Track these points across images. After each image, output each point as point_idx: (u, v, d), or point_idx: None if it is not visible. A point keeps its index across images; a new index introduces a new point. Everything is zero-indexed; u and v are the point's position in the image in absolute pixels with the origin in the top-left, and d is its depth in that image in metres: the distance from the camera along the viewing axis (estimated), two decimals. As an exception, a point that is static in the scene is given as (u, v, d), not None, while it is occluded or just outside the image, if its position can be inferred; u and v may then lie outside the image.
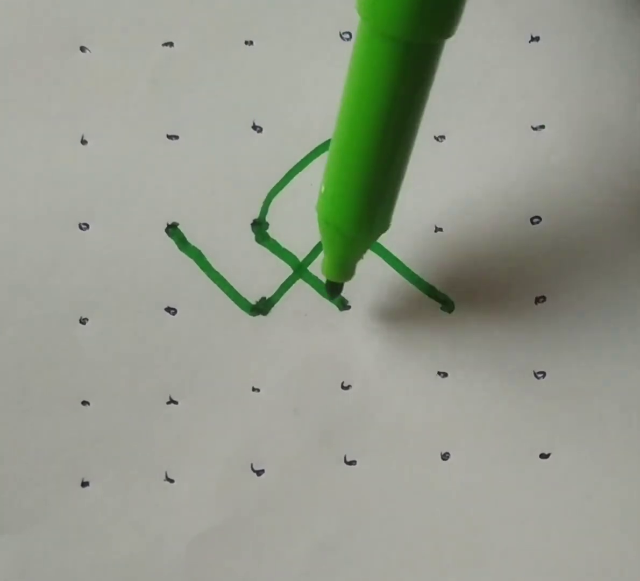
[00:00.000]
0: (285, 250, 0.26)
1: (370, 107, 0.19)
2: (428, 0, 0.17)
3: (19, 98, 0.26)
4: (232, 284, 0.26)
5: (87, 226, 0.26)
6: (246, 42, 0.26)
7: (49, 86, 0.26)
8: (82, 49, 0.26)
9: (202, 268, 0.26)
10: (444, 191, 0.26)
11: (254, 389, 0.27)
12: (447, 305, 0.26)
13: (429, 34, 0.18)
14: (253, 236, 0.26)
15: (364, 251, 0.24)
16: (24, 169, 0.26)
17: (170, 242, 0.26)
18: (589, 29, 0.25)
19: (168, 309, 0.27)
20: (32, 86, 0.26)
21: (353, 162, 0.21)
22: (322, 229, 0.23)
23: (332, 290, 0.25)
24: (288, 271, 0.26)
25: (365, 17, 0.18)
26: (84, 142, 0.26)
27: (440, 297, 0.26)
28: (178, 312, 0.27)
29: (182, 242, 0.26)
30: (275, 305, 0.26)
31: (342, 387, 0.27)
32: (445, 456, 0.27)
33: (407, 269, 0.26)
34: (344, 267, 0.24)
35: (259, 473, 0.27)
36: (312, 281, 0.26)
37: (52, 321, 0.27)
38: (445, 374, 0.27)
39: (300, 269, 0.26)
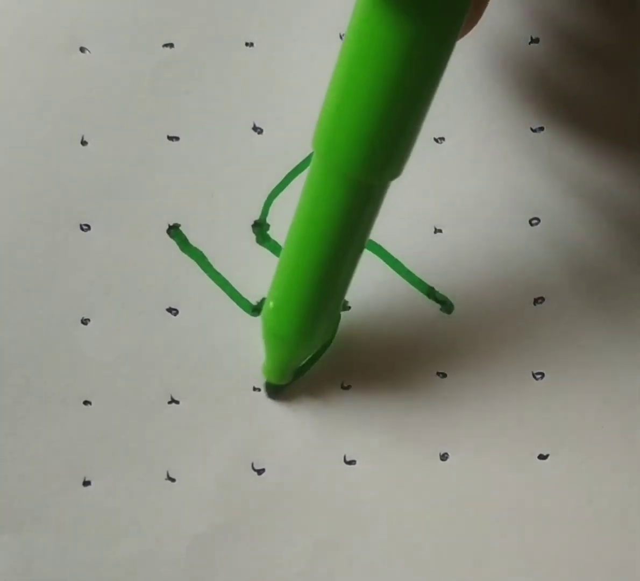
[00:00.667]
0: (285, 251, 0.26)
1: (318, 233, 0.21)
2: (380, 147, 0.19)
3: (19, 98, 0.26)
4: (233, 284, 0.27)
5: (89, 227, 0.26)
6: (247, 44, 0.26)
7: (49, 87, 0.26)
8: (82, 49, 0.26)
9: (203, 269, 0.27)
10: (443, 192, 0.26)
11: (254, 389, 0.27)
12: (446, 306, 0.27)
13: (378, 177, 0.20)
14: (254, 237, 0.27)
15: (305, 358, 0.26)
16: (25, 170, 0.26)
17: (172, 243, 0.26)
18: (588, 30, 0.25)
19: (169, 310, 0.27)
20: (32, 87, 0.26)
21: (300, 280, 0.22)
22: (267, 340, 0.25)
23: (273, 392, 0.27)
24: (288, 272, 0.27)
25: (320, 154, 0.20)
26: (84, 143, 0.26)
27: (440, 298, 0.26)
28: (179, 312, 0.27)
29: (184, 243, 0.26)
30: (276, 306, 0.27)
31: (342, 387, 0.27)
32: (444, 457, 0.27)
33: (407, 271, 0.26)
34: (285, 372, 0.26)
35: (260, 472, 0.27)
36: (312, 282, 0.27)
37: (54, 321, 0.27)
38: (444, 375, 0.27)
39: (300, 270, 0.26)
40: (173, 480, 0.27)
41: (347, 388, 0.27)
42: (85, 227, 0.26)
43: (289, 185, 0.26)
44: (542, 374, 0.27)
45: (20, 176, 0.26)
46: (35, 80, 0.26)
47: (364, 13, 0.18)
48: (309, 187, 0.21)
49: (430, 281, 0.26)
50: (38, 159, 0.26)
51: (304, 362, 0.26)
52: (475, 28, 0.20)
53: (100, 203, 0.26)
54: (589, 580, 0.27)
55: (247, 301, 0.27)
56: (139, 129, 0.26)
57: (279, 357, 0.25)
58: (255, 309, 0.27)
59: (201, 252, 0.26)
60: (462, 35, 0.19)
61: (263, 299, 0.27)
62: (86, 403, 0.27)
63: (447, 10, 0.18)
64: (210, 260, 0.27)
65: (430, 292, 0.26)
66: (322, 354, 0.27)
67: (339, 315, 0.26)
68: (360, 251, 0.22)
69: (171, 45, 0.26)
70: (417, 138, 0.20)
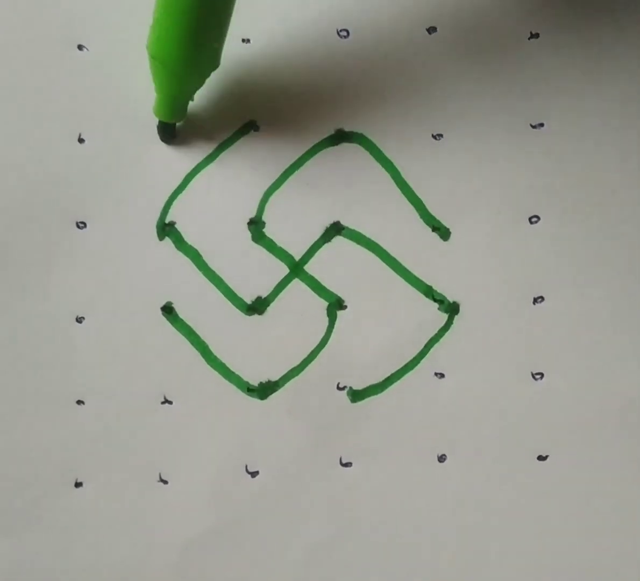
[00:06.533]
0: (281, 249, 0.26)
1: None
2: None
3: (17, 96, 0.26)
4: (228, 283, 0.26)
5: (85, 224, 0.26)
6: (243, 40, 0.26)
7: (47, 84, 0.26)
8: (80, 47, 0.26)
9: (198, 267, 0.26)
10: (441, 190, 0.26)
11: (249, 389, 0.27)
12: (444, 305, 0.26)
13: None
14: (249, 235, 0.26)
15: (194, 91, 0.24)
16: (22, 167, 0.26)
17: (168, 241, 0.26)
18: (588, 26, 0.25)
19: (164, 308, 0.26)
20: (29, 84, 0.26)
21: None
22: (153, 69, 0.24)
23: (164, 131, 0.26)
24: (284, 270, 0.26)
25: None
26: (81, 140, 0.26)
27: (438, 297, 0.26)
28: (174, 311, 0.26)
29: (179, 241, 0.26)
30: (271, 304, 0.26)
31: (338, 388, 0.26)
32: (441, 458, 0.26)
33: (405, 269, 0.26)
34: (174, 107, 0.25)
35: (254, 474, 0.27)
36: (308, 280, 0.26)
37: (48, 319, 0.26)
38: (442, 375, 0.26)
39: (296, 269, 0.26)
40: (166, 482, 0.27)
41: (344, 388, 0.26)
42: (82, 225, 0.26)
43: (285, 183, 0.26)
44: (541, 374, 0.26)
45: (17, 173, 0.26)
46: (33, 77, 0.26)
47: None
48: None
49: (428, 279, 0.26)
50: (35, 156, 0.26)
51: (193, 96, 0.25)
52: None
53: (96, 201, 0.26)
54: (589, 580, 0.26)
55: (242, 300, 0.26)
56: (135, 126, 0.26)
57: (167, 88, 0.24)
58: (250, 308, 0.26)
59: (196, 250, 0.26)
60: None
61: (258, 298, 0.26)
62: (79, 402, 0.27)
63: None
64: (205, 258, 0.26)
65: (428, 291, 0.26)
66: (317, 353, 0.26)
67: (224, 37, 0.24)
68: None
69: (167, 42, 0.26)
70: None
